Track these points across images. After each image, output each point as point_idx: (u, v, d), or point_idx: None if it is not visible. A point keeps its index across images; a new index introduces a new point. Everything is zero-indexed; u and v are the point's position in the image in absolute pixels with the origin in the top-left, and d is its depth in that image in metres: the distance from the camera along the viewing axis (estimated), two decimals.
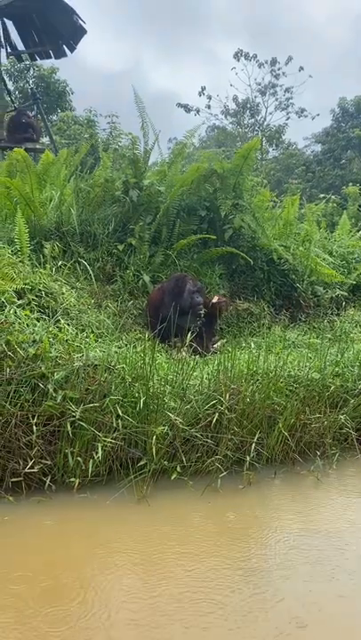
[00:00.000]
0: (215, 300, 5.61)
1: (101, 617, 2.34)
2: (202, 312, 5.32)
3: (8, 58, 15.24)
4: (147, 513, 3.25)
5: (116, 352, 4.01)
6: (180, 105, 30.19)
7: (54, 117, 20.33)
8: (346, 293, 7.32)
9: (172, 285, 5.44)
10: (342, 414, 4.24)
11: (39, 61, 16.75)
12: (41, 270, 4.99)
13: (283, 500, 3.55)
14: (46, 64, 19.45)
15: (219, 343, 5.46)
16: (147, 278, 6.02)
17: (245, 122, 32.69)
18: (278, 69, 31.26)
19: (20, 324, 3.82)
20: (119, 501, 3.31)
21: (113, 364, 3.76)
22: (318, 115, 31.55)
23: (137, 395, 3.66)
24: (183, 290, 5.38)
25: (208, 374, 4.15)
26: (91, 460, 3.39)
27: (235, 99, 31.69)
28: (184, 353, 4.48)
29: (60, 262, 5.54)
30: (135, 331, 5.33)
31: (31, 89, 17.68)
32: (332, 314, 6.84)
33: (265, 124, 32.19)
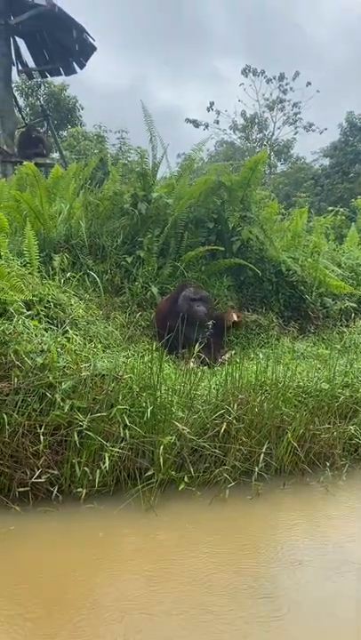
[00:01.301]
0: (235, 317, 5.61)
1: (105, 626, 2.32)
2: (203, 321, 5.27)
3: (19, 75, 15.52)
4: (154, 523, 3.23)
5: (124, 362, 4.01)
6: (188, 120, 30.46)
7: (64, 133, 20.61)
8: (355, 305, 7.27)
9: (174, 293, 5.48)
10: (352, 425, 4.21)
11: (50, 78, 17.03)
12: (50, 282, 5.03)
13: (292, 512, 3.51)
14: (56, 81, 19.78)
15: (227, 355, 5.45)
16: (155, 290, 6.04)
17: (254, 137, 32.90)
18: (286, 84, 31.52)
19: (28, 334, 3.84)
20: (126, 512, 3.29)
21: (120, 373, 3.75)
22: (326, 129, 31.71)
23: (144, 405, 3.65)
24: (179, 296, 5.39)
25: (216, 384, 4.15)
26: (98, 470, 3.38)
27: (243, 114, 31.95)
28: (192, 364, 4.48)
29: (69, 274, 5.58)
30: (143, 342, 5.34)
31: (41, 105, 17.97)
32: (341, 325, 6.80)
33: (273, 138, 32.38)
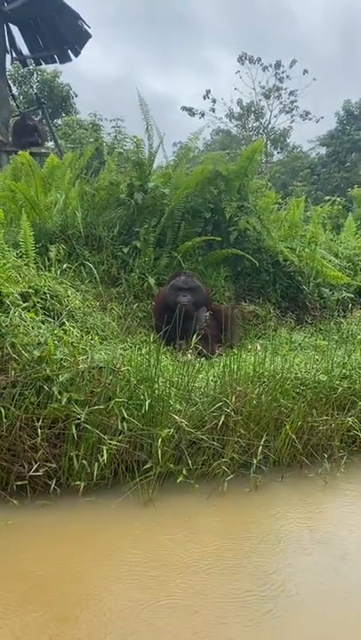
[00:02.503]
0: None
1: (105, 624, 2.31)
2: (187, 313, 5.14)
3: (12, 63, 15.34)
4: (153, 516, 3.22)
5: (121, 354, 3.99)
6: (184, 108, 30.30)
7: (59, 122, 20.44)
8: (352, 295, 7.27)
9: (168, 281, 5.47)
10: (350, 416, 4.21)
11: (43, 66, 16.82)
12: (46, 273, 4.99)
13: (290, 504, 3.51)
14: (49, 68, 19.58)
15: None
16: (152, 281, 6.01)
17: (250, 125, 32.74)
18: (283, 72, 31.35)
19: (24, 326, 3.81)
20: (125, 505, 3.29)
21: (118, 366, 3.74)
22: (323, 117, 31.58)
23: (142, 397, 3.64)
24: (168, 285, 5.42)
25: (214, 376, 4.13)
26: (96, 463, 3.37)
27: (239, 102, 31.77)
28: (189, 355, 4.46)
29: (65, 265, 5.53)
30: (140, 333, 5.31)
31: (35, 93, 17.80)
32: (338, 316, 6.79)
33: (270, 127, 32.24)
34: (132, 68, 50.49)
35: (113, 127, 17.40)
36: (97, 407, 3.46)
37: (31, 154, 7.03)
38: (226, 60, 54.21)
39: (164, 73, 54.03)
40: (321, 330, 6.29)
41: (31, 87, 20.20)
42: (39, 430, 3.34)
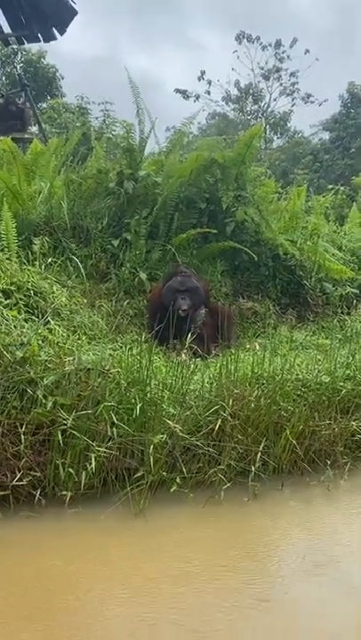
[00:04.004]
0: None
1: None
2: (186, 317, 5.22)
3: None
4: (144, 528, 3.22)
5: (111, 355, 3.98)
6: (178, 91, 30.23)
7: (43, 105, 20.34)
8: (357, 291, 7.28)
9: (165, 278, 5.45)
10: (354, 420, 4.21)
11: (27, 45, 16.73)
12: (29, 268, 4.97)
13: (291, 514, 3.52)
14: (34, 48, 19.48)
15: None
16: (143, 276, 6.00)
17: (248, 108, 32.71)
18: (283, 52, 31.32)
19: (6, 325, 3.80)
20: (114, 516, 3.28)
21: (107, 367, 3.73)
22: (326, 100, 31.56)
23: (133, 401, 3.63)
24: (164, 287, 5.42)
25: (210, 378, 4.13)
26: (84, 472, 3.35)
27: (236, 83, 31.73)
28: (184, 356, 4.45)
29: (50, 259, 5.51)
30: (131, 332, 5.30)
31: (18, 75, 17.67)
32: (342, 312, 6.80)
33: (269, 110, 32.22)
34: (112, 47, 50.25)
35: (101, 111, 17.32)
36: (85, 412, 3.44)
37: (13, 139, 6.99)
38: (217, 38, 54.06)
39: (148, 52, 53.80)
40: (324, 328, 6.31)
41: (15, 68, 20.10)
42: (22, 437, 3.32)
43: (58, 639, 2.33)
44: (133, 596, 2.62)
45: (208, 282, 6.21)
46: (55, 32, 13.88)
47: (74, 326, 4.59)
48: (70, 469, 3.36)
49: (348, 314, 6.86)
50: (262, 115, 31.97)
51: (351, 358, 4.67)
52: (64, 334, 4.13)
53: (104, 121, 16.97)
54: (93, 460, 3.35)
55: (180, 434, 3.60)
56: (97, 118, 17.40)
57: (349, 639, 2.44)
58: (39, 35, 14.06)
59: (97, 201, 6.59)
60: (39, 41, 14.33)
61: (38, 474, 3.34)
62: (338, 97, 27.25)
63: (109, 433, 3.47)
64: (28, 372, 3.49)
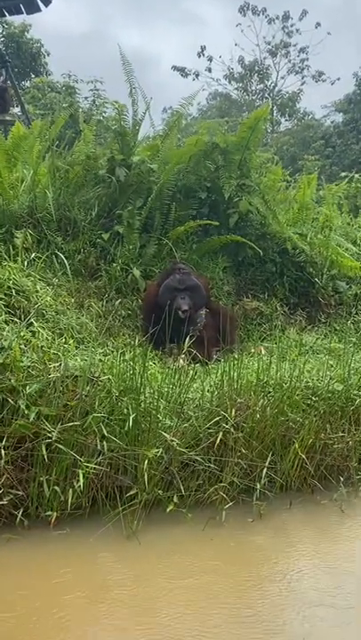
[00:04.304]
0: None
1: None
2: (186, 318, 5.25)
3: None
4: (137, 553, 3.22)
5: (101, 360, 3.99)
6: (175, 68, 30.32)
7: (27, 84, 20.37)
8: None
9: (163, 276, 5.46)
10: None
11: (8, 17, 16.72)
12: (11, 264, 4.97)
13: (300, 536, 3.53)
14: (17, 21, 19.49)
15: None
16: (137, 273, 6.00)
17: (253, 88, 32.79)
18: (291, 26, 31.41)
19: None
20: (104, 538, 3.28)
21: (97, 374, 3.73)
22: (339, 79, 31.69)
23: (125, 411, 3.63)
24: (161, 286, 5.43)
25: (210, 386, 4.13)
26: (70, 490, 3.36)
27: (240, 60, 31.80)
28: (182, 361, 4.45)
29: (34, 254, 5.51)
30: (123, 335, 5.31)
31: None
32: (356, 313, 6.82)
33: (276, 89, 32.30)
34: (100, 21, 50.30)
35: (90, 90, 17.40)
36: (72, 423, 3.45)
37: None
38: (217, 9, 54.19)
39: (141, 26, 53.90)
40: (336, 330, 6.32)
41: None
42: (3, 451, 3.31)
43: None
44: (126, 628, 2.62)
45: (209, 280, 6.22)
46: (39, 3, 13.90)
47: (60, 329, 4.60)
48: (56, 487, 3.36)
49: None
50: (269, 95, 32.07)
51: None
52: (49, 337, 4.13)
53: (93, 101, 17.12)
54: (81, 476, 3.35)
55: (178, 448, 3.60)
56: (86, 98, 17.53)
57: None
58: (21, 5, 14.07)
59: (85, 190, 6.60)
60: (21, 12, 14.34)
61: (20, 492, 3.34)
62: (352, 75, 27.34)
63: (99, 447, 3.47)
64: (9, 380, 3.48)
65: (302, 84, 31.89)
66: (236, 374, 4.03)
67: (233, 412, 3.80)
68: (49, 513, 3.34)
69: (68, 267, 5.65)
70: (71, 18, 52.75)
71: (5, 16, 15.51)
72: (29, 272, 5.13)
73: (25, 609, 2.74)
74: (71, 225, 6.25)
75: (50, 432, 3.38)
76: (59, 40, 41.93)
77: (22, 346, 3.73)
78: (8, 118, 12.03)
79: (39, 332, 4.10)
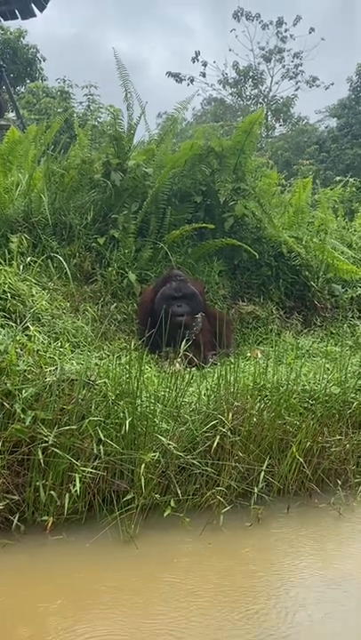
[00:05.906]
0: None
1: None
2: (184, 327, 5.23)
3: None
4: (134, 557, 3.19)
5: (97, 364, 3.97)
6: (170, 74, 30.40)
7: (22, 89, 20.39)
8: None
9: (159, 282, 5.44)
10: None
11: (3, 23, 16.79)
12: (6, 268, 4.96)
13: (298, 540, 3.51)
14: (13, 27, 19.52)
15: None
16: (132, 277, 5.99)
17: (247, 93, 32.90)
18: (285, 31, 31.56)
19: None
20: (101, 543, 3.26)
21: (93, 378, 3.72)
22: (333, 84, 31.83)
23: (122, 415, 3.61)
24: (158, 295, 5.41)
25: (207, 390, 4.12)
26: (67, 495, 3.33)
27: (235, 66, 31.91)
28: (178, 365, 4.44)
29: (29, 259, 5.51)
30: (119, 339, 5.30)
31: None
32: (352, 317, 6.83)
33: (270, 95, 32.42)
34: (89, 26, 50.49)
35: (85, 95, 17.42)
36: (68, 428, 3.43)
37: None
38: (205, 15, 54.45)
39: (128, 31, 54.12)
40: (332, 334, 6.32)
41: None
42: None
43: None
44: (123, 634, 2.60)
45: (204, 284, 6.22)
46: (34, 8, 13.96)
47: (56, 333, 4.58)
48: (52, 492, 3.34)
49: (360, 318, 6.88)
50: (263, 100, 32.18)
51: None
52: (45, 341, 4.12)
53: (88, 106, 17.14)
54: (78, 481, 3.33)
55: (175, 452, 3.58)
56: (80, 103, 17.54)
57: None
58: (16, 11, 14.14)
59: (81, 194, 6.61)
60: (17, 18, 14.40)
61: (16, 497, 3.32)
62: (346, 80, 27.49)
63: (95, 451, 3.45)
64: (5, 384, 3.47)
65: (296, 90, 32.07)
66: (232, 378, 4.02)
67: (230, 416, 3.79)
68: (45, 518, 3.32)
69: (68, 269, 5.66)
70: (65, 24, 52.99)
71: (0, 22, 15.56)
72: (25, 276, 5.12)
73: (20, 614, 2.72)
74: (66, 229, 6.25)
75: (46, 436, 3.36)
76: (52, 46, 42.06)
77: (18, 350, 3.72)
78: (3, 123, 12.05)
79: (35, 335, 4.09)
